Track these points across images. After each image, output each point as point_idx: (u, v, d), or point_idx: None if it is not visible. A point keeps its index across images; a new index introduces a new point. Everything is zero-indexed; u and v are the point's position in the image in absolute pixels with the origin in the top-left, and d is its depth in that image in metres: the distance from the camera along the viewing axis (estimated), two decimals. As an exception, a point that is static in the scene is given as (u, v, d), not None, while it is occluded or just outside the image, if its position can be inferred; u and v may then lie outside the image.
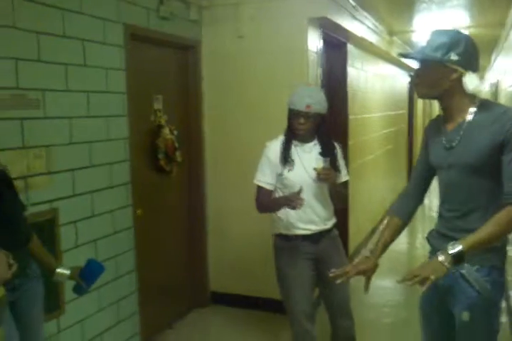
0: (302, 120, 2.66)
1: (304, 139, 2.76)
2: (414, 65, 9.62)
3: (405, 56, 2.13)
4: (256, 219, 4.03)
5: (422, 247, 5.65)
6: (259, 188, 2.79)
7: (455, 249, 1.74)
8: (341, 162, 2.86)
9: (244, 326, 3.87)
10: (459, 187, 1.93)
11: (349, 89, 4.96)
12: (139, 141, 3.40)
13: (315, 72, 3.99)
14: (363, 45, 5.58)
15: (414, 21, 6.44)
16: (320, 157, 2.70)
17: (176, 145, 3.71)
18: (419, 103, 11.28)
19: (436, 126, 2.07)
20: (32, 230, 2.24)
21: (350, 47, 5.07)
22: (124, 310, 3.23)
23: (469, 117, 1.90)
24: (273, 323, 3.86)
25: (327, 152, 2.73)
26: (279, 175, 2.73)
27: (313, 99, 2.66)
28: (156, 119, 3.61)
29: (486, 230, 1.78)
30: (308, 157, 2.73)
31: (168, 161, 3.67)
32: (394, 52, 7.31)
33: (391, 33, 7.01)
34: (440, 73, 1.89)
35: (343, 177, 2.86)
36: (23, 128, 2.45)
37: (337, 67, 4.83)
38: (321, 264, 2.74)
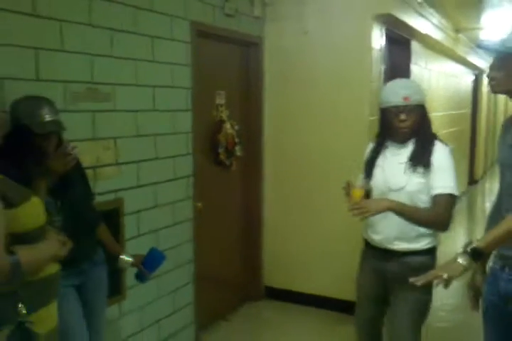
0: (403, 116, 2.30)
1: (404, 139, 2.40)
2: (480, 63, 9.31)
3: (485, 48, 2.05)
4: (313, 217, 4.07)
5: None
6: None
7: (471, 247, 1.72)
8: (440, 168, 2.29)
9: (298, 321, 3.90)
10: None
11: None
12: (201, 135, 3.48)
13: (378, 69, 3.95)
14: (427, 42, 5.47)
15: (483, 18, 6.24)
16: (404, 162, 2.34)
17: (237, 140, 3.78)
18: (484, 102, 10.91)
19: (507, 125, 2.01)
20: (100, 218, 2.35)
21: (414, 44, 4.99)
22: (180, 299, 3.32)
23: None
24: (326, 320, 3.87)
25: (418, 155, 2.33)
26: None
27: (410, 90, 2.33)
28: (218, 114, 3.69)
29: (503, 226, 1.73)
30: (393, 160, 2.40)
31: (228, 156, 3.74)
32: (459, 50, 7.11)
33: (457, 30, 6.81)
34: None
35: (436, 188, 2.27)
36: (94, 120, 2.56)
37: (400, 65, 4.76)
38: (388, 284, 2.46)
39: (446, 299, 4.25)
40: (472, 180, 10.13)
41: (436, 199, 2.26)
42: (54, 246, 1.55)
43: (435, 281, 1.73)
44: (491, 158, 12.78)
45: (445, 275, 1.69)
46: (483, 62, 9.64)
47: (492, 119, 12.57)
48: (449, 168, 2.31)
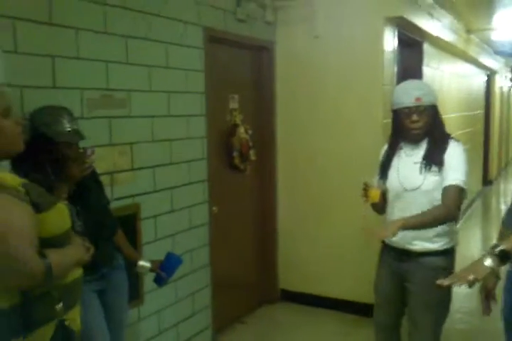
0: (415, 117, 2.33)
1: (417, 139, 2.42)
2: (493, 64, 9.25)
3: (503, 53, 2.04)
4: (327, 220, 4.07)
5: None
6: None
7: (497, 248, 1.72)
8: (452, 163, 2.32)
9: (313, 324, 3.90)
10: None
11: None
12: (216, 140, 3.51)
13: (391, 72, 3.96)
14: (439, 44, 5.46)
15: (495, 18, 6.21)
16: (418, 162, 2.37)
17: (250, 144, 3.80)
18: (496, 103, 10.84)
19: None
20: (117, 223, 2.37)
21: (426, 46, 4.98)
22: (198, 302, 3.34)
23: None
24: (341, 323, 3.87)
25: (431, 154, 2.36)
26: None
27: (422, 90, 2.36)
28: (232, 118, 3.71)
29: None
30: (407, 161, 2.42)
31: (243, 160, 3.76)
32: (471, 51, 7.08)
33: (469, 31, 6.78)
34: None
35: (447, 181, 2.29)
36: (110, 126, 2.60)
37: (413, 67, 4.76)
38: (407, 285, 2.46)
39: (464, 302, 4.23)
40: (486, 181, 10.07)
41: (446, 190, 2.28)
42: (80, 251, 1.59)
43: (458, 282, 1.73)
44: (504, 158, 12.69)
45: (471, 277, 1.69)
46: (496, 63, 9.59)
47: (505, 120, 12.49)
48: (460, 163, 2.33)
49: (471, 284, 1.69)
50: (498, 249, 1.72)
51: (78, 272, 1.58)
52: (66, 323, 1.49)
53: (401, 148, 2.47)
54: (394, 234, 2.16)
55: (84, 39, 2.41)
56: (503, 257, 1.72)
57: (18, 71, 2.10)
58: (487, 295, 2.19)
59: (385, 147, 2.59)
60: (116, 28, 2.58)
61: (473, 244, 6.39)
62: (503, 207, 8.88)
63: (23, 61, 2.14)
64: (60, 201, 1.58)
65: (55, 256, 1.43)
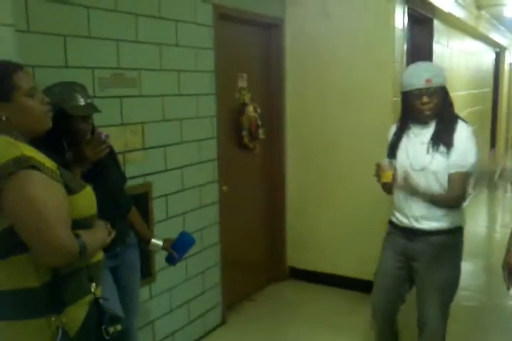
0: (425, 98, 2.33)
1: (426, 120, 2.41)
2: (502, 40, 9.12)
3: None
4: (337, 198, 4.08)
5: (502, 231, 5.49)
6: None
7: None
8: (461, 146, 2.33)
9: (321, 301, 3.94)
10: None
11: (434, 67, 4.81)
12: (225, 119, 3.50)
13: (401, 49, 3.91)
14: (449, 20, 5.39)
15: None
16: (426, 142, 2.38)
17: (259, 122, 3.78)
18: (505, 80, 10.73)
19: None
20: (132, 201, 2.39)
21: (436, 23, 4.91)
22: (208, 280, 3.38)
23: None
24: (349, 300, 3.91)
25: (440, 134, 2.36)
26: None
27: (432, 72, 2.36)
28: (241, 97, 3.69)
29: None
30: (416, 141, 2.43)
31: (252, 138, 3.76)
32: (481, 28, 6.98)
33: (479, 6, 6.68)
34: None
35: (454, 167, 2.32)
36: (122, 106, 2.59)
37: (423, 44, 4.71)
38: (415, 264, 2.49)
39: (472, 279, 4.27)
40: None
41: (452, 178, 2.33)
42: (104, 233, 1.62)
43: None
44: (512, 136, 12.61)
45: None
46: (505, 40, 9.46)
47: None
48: (469, 146, 2.34)
49: None
50: None
51: (100, 254, 1.62)
52: (100, 301, 1.54)
53: (410, 129, 2.48)
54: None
55: (96, 18, 2.39)
56: None
57: (30, 50, 2.09)
58: (510, 272, 2.19)
59: (393, 128, 2.59)
60: (126, 6, 2.55)
61: (479, 222, 6.42)
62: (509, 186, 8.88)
63: (35, 40, 2.12)
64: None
65: (87, 237, 1.47)
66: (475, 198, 7.42)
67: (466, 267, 4.43)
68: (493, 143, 9.94)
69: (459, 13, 5.47)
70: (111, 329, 1.52)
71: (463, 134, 2.35)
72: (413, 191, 2.38)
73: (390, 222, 2.59)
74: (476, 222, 6.35)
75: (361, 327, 3.38)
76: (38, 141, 1.55)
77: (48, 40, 2.19)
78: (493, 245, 5.43)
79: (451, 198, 2.37)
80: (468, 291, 4.06)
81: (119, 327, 1.55)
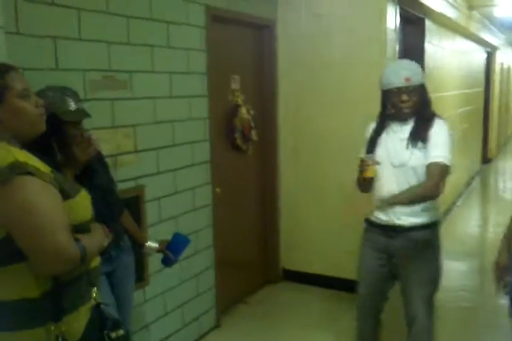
0: (405, 96, 2.38)
1: (406, 118, 2.46)
2: (493, 40, 9.16)
3: None
4: (328, 199, 4.07)
5: (494, 231, 5.50)
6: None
7: None
8: (437, 140, 2.39)
9: (316, 303, 3.93)
10: None
11: (426, 67, 4.82)
12: (218, 121, 3.48)
13: (393, 49, 3.91)
14: (441, 20, 5.40)
15: (497, -6, 6.13)
16: (405, 138, 2.42)
17: (252, 124, 3.77)
18: (496, 80, 10.78)
19: None
20: (124, 205, 2.36)
21: (427, 23, 4.92)
22: (202, 283, 3.36)
23: None
24: (344, 301, 3.89)
25: (417, 130, 2.41)
26: None
27: (411, 71, 2.41)
28: (234, 99, 3.67)
29: None
30: (395, 137, 2.48)
31: (245, 140, 3.74)
32: (472, 28, 7.01)
33: (471, 7, 6.70)
34: None
35: (431, 158, 2.37)
36: (113, 108, 2.56)
37: (415, 44, 4.72)
38: (397, 261, 2.51)
39: (466, 280, 4.28)
40: (485, 159, 10.08)
41: (430, 167, 2.37)
42: (102, 236, 1.58)
43: None
44: (504, 136, 12.67)
45: None
46: (497, 40, 9.50)
47: (505, 97, 12.42)
48: (445, 140, 2.41)
49: None
50: None
51: (97, 259, 1.58)
52: (102, 307, 1.51)
53: (389, 126, 2.52)
54: (373, 212, 2.32)
55: (86, 20, 2.36)
56: None
57: (20, 52, 2.06)
58: (501, 273, 2.18)
59: (373, 124, 2.63)
60: (117, 8, 2.52)
61: (472, 222, 6.43)
62: (501, 184, 8.92)
63: (25, 43, 2.10)
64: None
65: (86, 241, 1.43)
66: (468, 198, 7.45)
67: (461, 267, 4.47)
68: (485, 142, 9.97)
69: (450, 13, 5.48)
70: (113, 335, 1.51)
71: (440, 130, 2.42)
72: (395, 203, 2.42)
73: (366, 220, 2.61)
74: (469, 221, 6.37)
75: (355, 328, 3.36)
76: (28, 144, 1.52)
77: (38, 42, 2.16)
78: (487, 245, 5.44)
79: (429, 187, 2.38)
80: (463, 292, 4.06)
81: (121, 332, 1.54)
